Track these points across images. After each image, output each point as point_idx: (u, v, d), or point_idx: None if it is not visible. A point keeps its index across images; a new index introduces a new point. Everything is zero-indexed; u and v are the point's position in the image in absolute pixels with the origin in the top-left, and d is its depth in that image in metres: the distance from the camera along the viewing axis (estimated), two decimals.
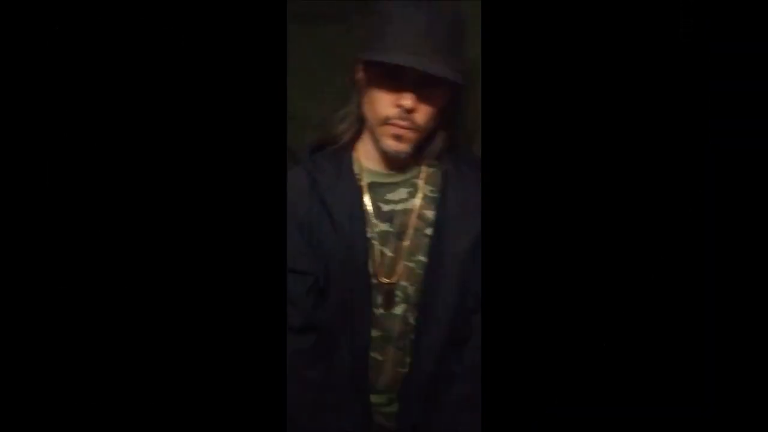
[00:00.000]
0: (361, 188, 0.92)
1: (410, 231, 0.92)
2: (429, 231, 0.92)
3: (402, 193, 0.93)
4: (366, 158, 0.94)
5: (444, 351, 0.91)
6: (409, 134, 0.87)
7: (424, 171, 0.95)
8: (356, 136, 0.94)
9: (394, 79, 0.84)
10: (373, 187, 0.93)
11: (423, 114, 0.86)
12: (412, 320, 0.91)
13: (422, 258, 0.92)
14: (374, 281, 0.91)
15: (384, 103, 0.86)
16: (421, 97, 0.85)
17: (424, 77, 0.82)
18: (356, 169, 0.94)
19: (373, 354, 0.92)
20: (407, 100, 0.83)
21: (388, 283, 0.91)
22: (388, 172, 0.94)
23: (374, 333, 0.91)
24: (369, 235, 0.91)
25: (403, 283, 0.91)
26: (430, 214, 0.93)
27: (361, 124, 0.93)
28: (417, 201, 0.93)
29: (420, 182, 0.94)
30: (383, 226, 0.92)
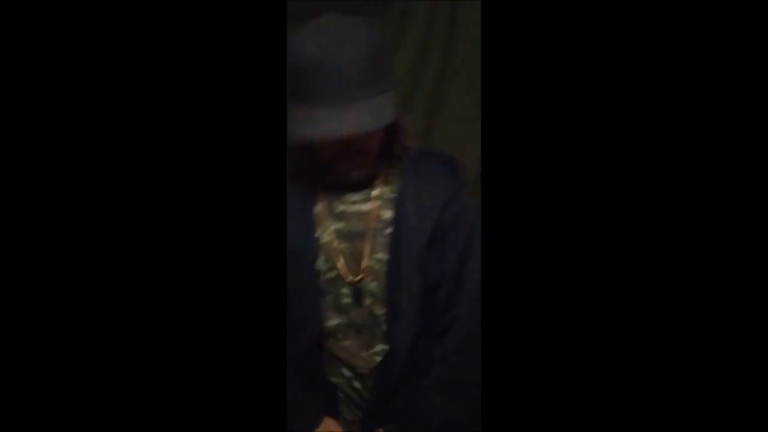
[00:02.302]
0: (315, 193, 0.96)
1: (369, 232, 0.95)
2: (388, 231, 0.95)
3: (356, 196, 0.96)
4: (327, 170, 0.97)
5: (419, 339, 0.94)
6: (362, 162, 0.90)
7: (383, 173, 0.97)
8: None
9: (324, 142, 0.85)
10: (330, 189, 0.96)
11: (367, 148, 0.88)
12: (379, 312, 0.95)
13: (383, 256, 0.95)
14: (331, 277, 0.95)
15: (326, 153, 0.88)
16: (358, 141, 0.86)
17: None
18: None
19: (342, 342, 0.95)
20: (343, 162, 0.88)
21: (356, 281, 0.95)
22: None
23: (339, 321, 0.95)
24: (318, 234, 0.95)
25: (368, 279, 0.95)
26: (387, 214, 0.96)
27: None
28: (374, 203, 0.96)
29: (377, 184, 0.97)
30: (337, 225, 0.96)
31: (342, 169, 0.90)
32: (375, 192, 0.97)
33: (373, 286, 0.96)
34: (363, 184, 0.97)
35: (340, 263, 0.95)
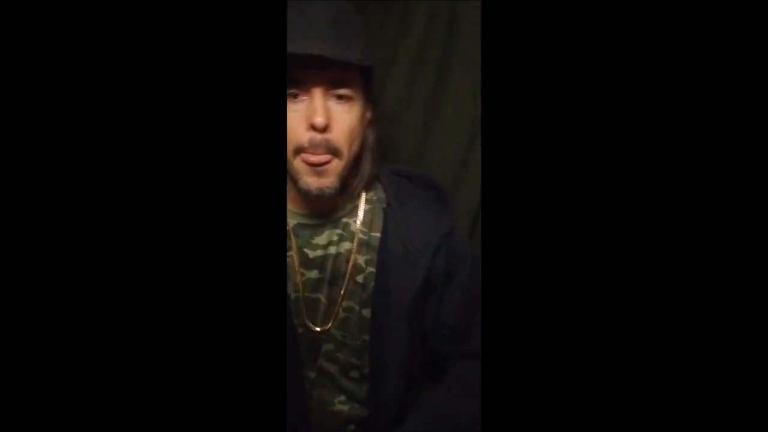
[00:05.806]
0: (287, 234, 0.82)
1: (345, 277, 0.83)
2: (360, 278, 0.84)
3: (331, 235, 0.84)
4: (290, 199, 0.82)
5: (403, 397, 0.85)
6: (330, 164, 0.75)
7: (360, 209, 0.85)
8: None
9: (301, 87, 0.73)
10: (298, 231, 0.83)
11: (339, 132, 0.74)
12: (356, 373, 0.85)
13: (355, 306, 0.84)
14: (302, 330, 0.85)
15: (294, 126, 0.74)
16: (334, 112, 0.74)
17: (335, 78, 0.73)
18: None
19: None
20: (318, 116, 0.72)
21: (318, 332, 0.84)
22: (314, 213, 0.83)
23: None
24: (291, 288, 0.82)
25: (335, 331, 0.85)
26: (361, 259, 0.84)
27: None
28: (350, 244, 0.84)
29: (353, 223, 0.84)
30: (311, 274, 0.83)
31: (306, 168, 0.75)
32: (351, 230, 0.83)
33: (344, 338, 0.84)
34: (325, 214, 0.82)
35: (310, 314, 0.83)
